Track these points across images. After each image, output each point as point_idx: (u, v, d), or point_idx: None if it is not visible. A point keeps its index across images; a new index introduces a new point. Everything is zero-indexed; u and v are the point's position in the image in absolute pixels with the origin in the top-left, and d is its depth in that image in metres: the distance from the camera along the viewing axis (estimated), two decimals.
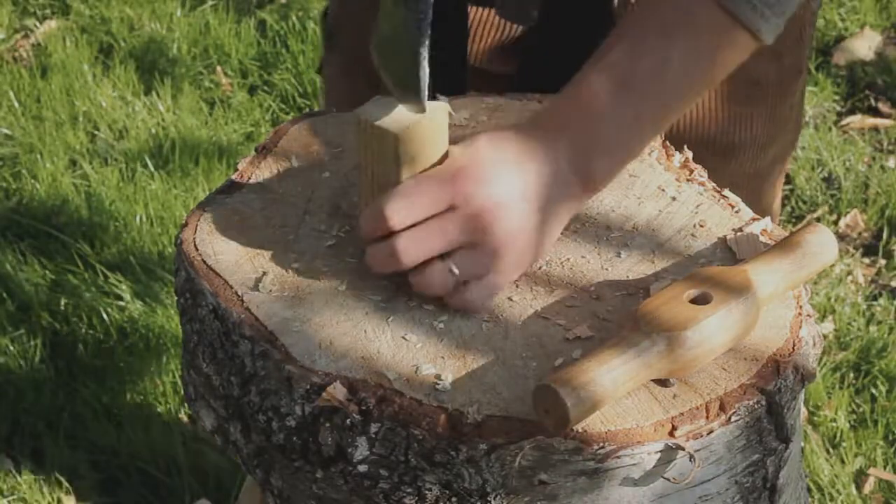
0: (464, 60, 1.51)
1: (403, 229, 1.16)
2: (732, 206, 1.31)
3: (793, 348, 1.17)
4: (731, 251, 1.26)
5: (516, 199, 1.16)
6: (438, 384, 1.11)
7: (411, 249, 1.16)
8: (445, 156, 1.19)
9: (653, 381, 1.13)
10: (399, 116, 1.18)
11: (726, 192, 1.33)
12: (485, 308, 1.19)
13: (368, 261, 1.19)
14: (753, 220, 1.29)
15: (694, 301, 1.15)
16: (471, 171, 1.16)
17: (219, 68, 3.33)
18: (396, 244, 1.16)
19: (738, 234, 1.27)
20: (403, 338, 1.16)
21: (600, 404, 1.08)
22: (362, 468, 1.11)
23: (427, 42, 1.15)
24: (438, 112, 1.19)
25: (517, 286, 1.22)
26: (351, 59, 1.62)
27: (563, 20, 1.46)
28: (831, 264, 1.25)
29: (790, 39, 1.56)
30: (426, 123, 1.18)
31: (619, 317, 1.18)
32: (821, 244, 1.23)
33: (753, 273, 1.18)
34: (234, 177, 1.33)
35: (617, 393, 1.09)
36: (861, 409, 2.49)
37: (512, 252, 1.17)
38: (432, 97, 1.18)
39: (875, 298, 2.73)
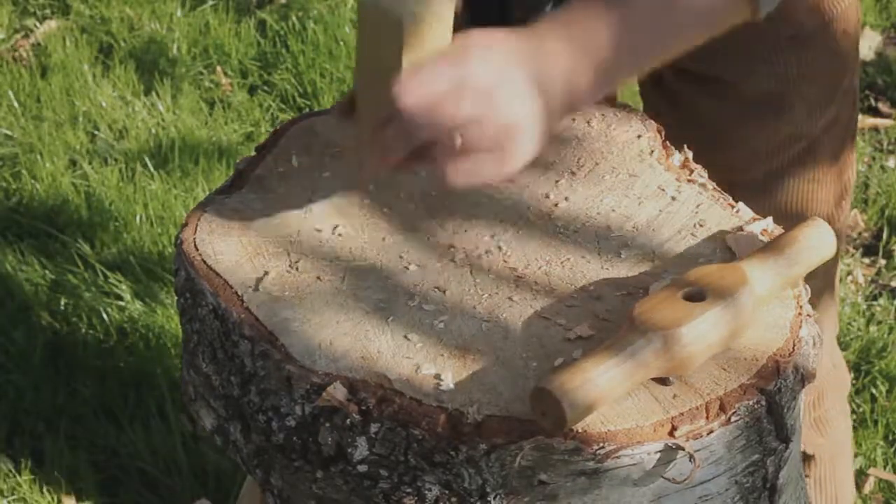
0: None
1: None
2: (732, 206, 1.31)
3: (793, 348, 1.17)
4: (730, 251, 1.26)
5: (520, 81, 1.16)
6: (441, 384, 1.11)
7: (422, 125, 1.14)
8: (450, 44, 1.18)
9: (653, 380, 1.13)
10: (403, 2, 1.17)
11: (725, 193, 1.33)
12: (484, 179, 1.17)
13: (380, 148, 1.17)
14: (754, 219, 1.29)
15: (689, 299, 1.14)
16: (478, 52, 1.16)
17: (219, 68, 3.33)
18: (410, 119, 1.14)
19: (738, 233, 1.27)
20: (404, 338, 1.16)
21: (597, 405, 1.08)
22: (362, 468, 1.11)
23: None
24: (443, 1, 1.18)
25: (517, 286, 1.22)
26: None
27: None
28: (829, 259, 1.25)
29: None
30: (429, 9, 1.17)
31: (619, 317, 1.18)
32: (818, 238, 1.23)
33: (749, 269, 1.18)
34: (233, 177, 1.34)
35: (614, 393, 1.09)
36: (861, 409, 2.48)
37: (515, 133, 1.17)
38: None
39: (875, 298, 2.72)
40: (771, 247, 1.22)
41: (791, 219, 1.51)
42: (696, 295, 1.15)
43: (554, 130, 1.21)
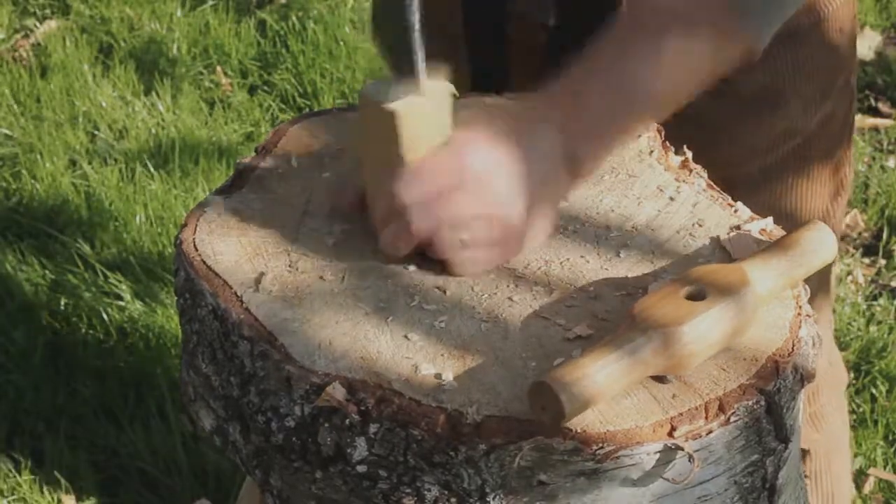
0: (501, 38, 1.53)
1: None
2: (731, 206, 1.31)
3: (792, 348, 1.17)
4: (726, 250, 1.26)
5: (518, 174, 1.20)
6: (440, 384, 1.11)
7: (423, 221, 1.18)
8: (449, 137, 1.21)
9: (651, 378, 1.13)
10: (399, 96, 1.19)
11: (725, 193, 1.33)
12: (482, 269, 1.22)
13: (384, 244, 1.22)
14: (752, 219, 1.30)
15: (690, 298, 1.15)
16: (474, 145, 1.19)
17: (219, 68, 3.33)
18: (410, 216, 1.18)
19: (733, 233, 1.27)
20: (404, 338, 1.16)
21: (595, 400, 1.08)
22: (361, 468, 1.11)
23: (420, 20, 1.17)
24: (439, 91, 1.20)
25: (517, 286, 1.22)
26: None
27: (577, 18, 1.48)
28: (830, 262, 1.25)
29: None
30: (426, 102, 1.20)
31: (618, 316, 1.18)
32: (820, 241, 1.23)
33: (750, 270, 1.18)
34: (233, 177, 1.34)
35: (612, 389, 1.09)
36: (861, 409, 2.49)
37: (517, 225, 1.21)
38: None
39: (875, 298, 2.73)
40: (773, 248, 1.22)
41: (786, 215, 1.52)
42: (698, 294, 1.15)
43: (559, 203, 1.26)
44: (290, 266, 1.23)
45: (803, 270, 1.22)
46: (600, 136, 1.24)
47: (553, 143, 1.21)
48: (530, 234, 1.23)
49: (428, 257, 1.23)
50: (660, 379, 1.13)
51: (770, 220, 1.30)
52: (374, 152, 1.23)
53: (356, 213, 1.28)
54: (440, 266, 1.22)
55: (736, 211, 1.30)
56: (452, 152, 1.19)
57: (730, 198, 1.32)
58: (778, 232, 1.29)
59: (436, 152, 1.20)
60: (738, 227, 1.28)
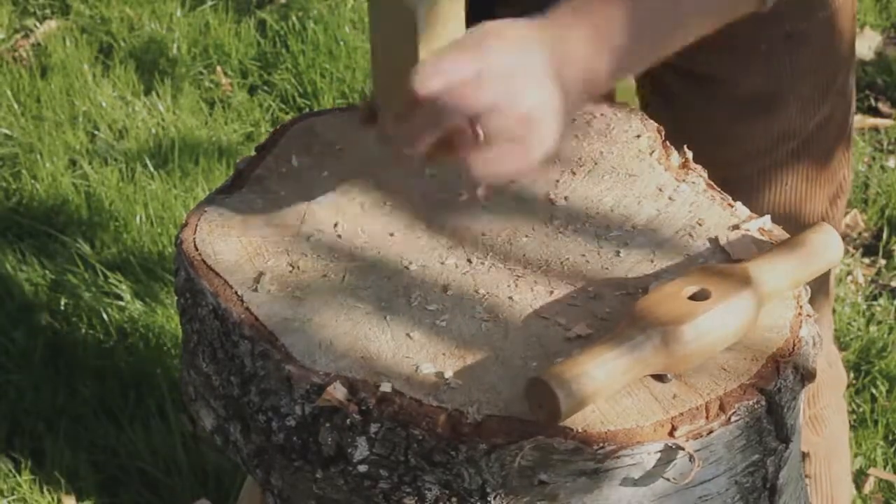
0: None
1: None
2: (731, 206, 1.31)
3: (793, 348, 1.17)
4: (726, 251, 1.26)
5: (539, 69, 1.15)
6: (444, 382, 1.11)
7: (446, 110, 1.13)
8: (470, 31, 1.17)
9: (651, 376, 1.13)
10: None
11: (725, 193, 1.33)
12: (504, 169, 1.17)
13: (405, 140, 1.16)
14: (751, 218, 1.30)
15: (693, 298, 1.15)
16: (497, 40, 1.15)
17: (219, 68, 3.33)
18: (434, 107, 1.12)
19: (732, 233, 1.27)
20: (404, 337, 1.16)
21: (593, 398, 1.08)
22: (362, 468, 1.11)
23: None
24: None
25: (517, 286, 1.22)
26: None
27: None
28: (836, 264, 1.25)
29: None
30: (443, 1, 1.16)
31: (619, 316, 1.18)
32: (825, 244, 1.23)
33: (754, 271, 1.18)
34: (233, 177, 1.34)
35: (611, 387, 1.09)
36: (861, 409, 2.49)
37: (537, 122, 1.15)
38: None
39: (875, 298, 2.72)
40: (779, 249, 1.22)
41: (785, 217, 1.52)
42: (700, 294, 1.15)
43: (572, 116, 1.20)
44: (290, 266, 1.23)
45: (808, 272, 1.22)
46: (618, 54, 1.20)
47: (573, 49, 1.17)
48: (551, 135, 1.17)
49: (427, 256, 1.23)
50: (660, 378, 1.13)
51: (768, 218, 1.30)
52: (390, 50, 1.18)
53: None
54: (463, 169, 1.16)
55: (735, 211, 1.30)
56: (472, 45, 1.14)
57: (729, 198, 1.32)
58: (777, 231, 1.29)
59: (455, 46, 1.15)
60: (736, 227, 1.28)
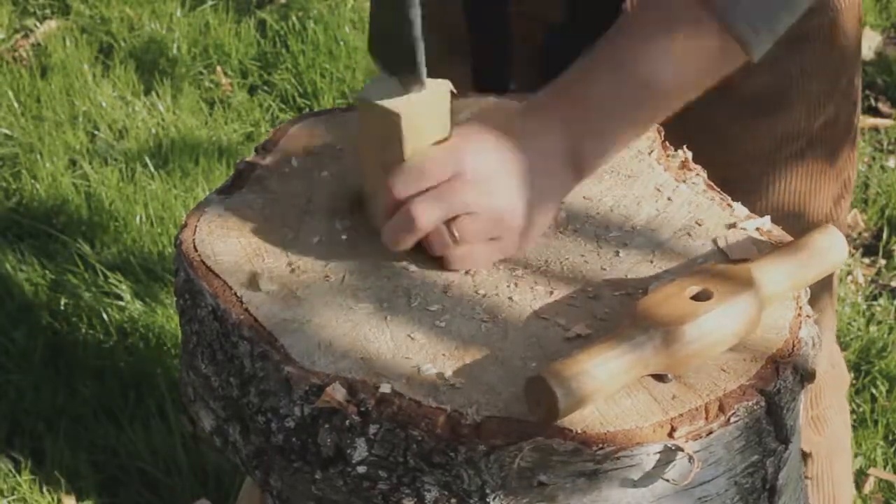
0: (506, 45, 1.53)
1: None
2: (730, 206, 1.31)
3: (792, 349, 1.17)
4: (725, 251, 1.26)
5: (517, 171, 1.20)
6: (443, 383, 1.11)
7: (422, 215, 1.19)
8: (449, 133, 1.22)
9: (651, 376, 1.13)
10: (400, 95, 1.20)
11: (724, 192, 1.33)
12: (479, 265, 1.23)
13: (386, 239, 1.22)
14: (749, 218, 1.30)
15: (695, 298, 1.15)
16: (474, 141, 1.20)
17: (219, 68, 3.33)
18: (411, 211, 1.19)
19: (731, 233, 1.27)
20: (404, 338, 1.16)
21: (592, 397, 1.08)
22: (361, 469, 1.11)
23: (420, 16, 1.17)
24: (439, 89, 1.20)
25: (517, 286, 1.22)
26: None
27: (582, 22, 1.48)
28: (841, 266, 1.25)
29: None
30: (427, 100, 1.20)
31: (618, 316, 1.18)
32: (830, 245, 1.23)
33: (757, 271, 1.18)
34: (233, 177, 1.34)
35: (610, 386, 1.09)
36: (861, 409, 2.49)
37: (510, 222, 1.21)
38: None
39: (875, 298, 2.73)
40: (783, 250, 1.22)
41: (789, 217, 1.52)
42: (702, 294, 1.15)
43: (563, 198, 1.27)
44: (290, 266, 1.23)
45: (813, 274, 1.22)
46: (605, 133, 1.24)
47: (556, 139, 1.22)
48: (530, 231, 1.23)
49: (427, 257, 1.23)
50: (660, 378, 1.13)
51: (768, 219, 1.30)
52: (375, 150, 1.23)
53: (354, 212, 1.28)
54: (439, 262, 1.23)
55: (735, 211, 1.30)
56: (452, 148, 1.20)
57: (729, 198, 1.32)
58: (777, 232, 1.29)
59: (435, 149, 1.20)
60: (734, 226, 1.28)
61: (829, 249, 1.23)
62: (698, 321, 1.12)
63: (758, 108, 1.54)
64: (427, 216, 1.19)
